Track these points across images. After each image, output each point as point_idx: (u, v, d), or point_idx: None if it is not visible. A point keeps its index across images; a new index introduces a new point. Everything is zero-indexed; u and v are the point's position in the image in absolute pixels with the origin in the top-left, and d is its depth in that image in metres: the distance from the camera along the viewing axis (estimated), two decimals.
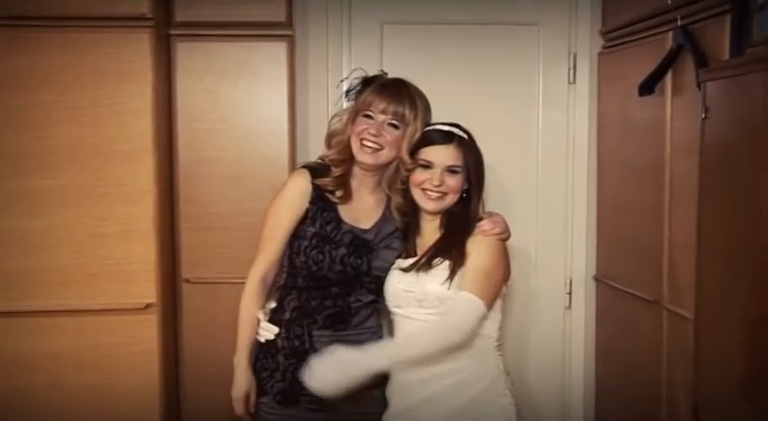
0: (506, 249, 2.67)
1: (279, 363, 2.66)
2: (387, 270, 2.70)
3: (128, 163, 3.00)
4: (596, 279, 3.57)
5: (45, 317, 3.00)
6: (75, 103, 2.97)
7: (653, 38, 2.96)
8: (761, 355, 2.09)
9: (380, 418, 2.69)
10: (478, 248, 2.58)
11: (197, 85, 3.23)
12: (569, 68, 3.54)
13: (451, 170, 2.63)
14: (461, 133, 2.67)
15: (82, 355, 3.03)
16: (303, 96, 3.43)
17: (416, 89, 2.72)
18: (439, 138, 2.65)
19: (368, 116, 2.66)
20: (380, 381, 2.64)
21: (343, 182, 2.71)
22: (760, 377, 2.09)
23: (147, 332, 3.05)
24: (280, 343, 2.66)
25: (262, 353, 2.69)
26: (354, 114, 2.69)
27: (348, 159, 2.69)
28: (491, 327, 2.62)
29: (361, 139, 2.64)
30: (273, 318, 2.71)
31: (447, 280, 2.56)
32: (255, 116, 3.26)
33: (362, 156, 2.66)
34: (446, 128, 2.66)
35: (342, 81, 2.98)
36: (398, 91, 2.67)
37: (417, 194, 2.67)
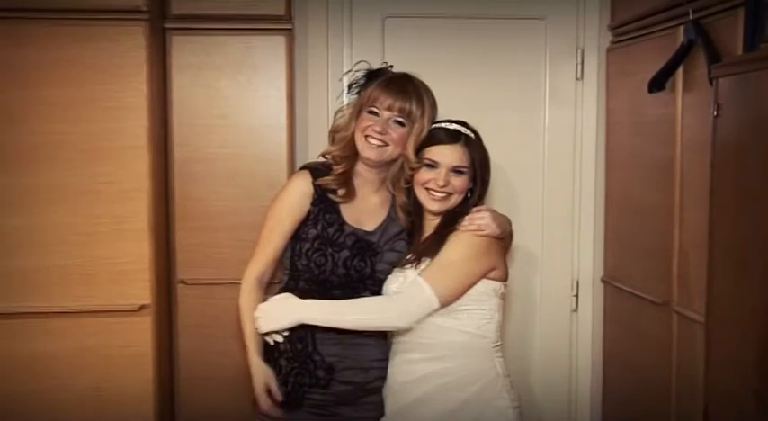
0: (492, 246, 2.60)
1: (281, 367, 2.63)
2: (391, 272, 2.68)
3: (121, 160, 2.97)
4: (604, 280, 3.55)
5: (35, 319, 2.97)
6: (67, 99, 2.94)
7: (663, 32, 2.95)
8: None
9: None
10: (451, 242, 2.57)
11: (193, 80, 3.20)
12: (577, 64, 3.52)
13: (457, 170, 2.61)
14: (468, 132, 2.65)
15: (74, 358, 3.00)
16: (303, 92, 3.42)
17: (423, 85, 2.70)
18: (445, 137, 2.62)
19: (373, 112, 2.63)
20: (379, 386, 2.66)
21: (346, 179, 2.68)
22: None
23: (141, 334, 3.02)
24: (282, 346, 2.63)
25: (263, 356, 2.66)
26: (359, 110, 2.66)
27: (351, 156, 2.67)
28: (487, 328, 2.59)
29: (366, 136, 2.62)
30: None
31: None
32: (253, 112, 3.23)
33: (367, 152, 2.63)
34: (453, 126, 2.64)
35: (345, 74, 2.95)
36: (405, 87, 2.64)
37: (421, 194, 2.65)
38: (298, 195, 2.66)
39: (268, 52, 3.21)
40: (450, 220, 2.62)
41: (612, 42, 3.45)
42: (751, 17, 2.39)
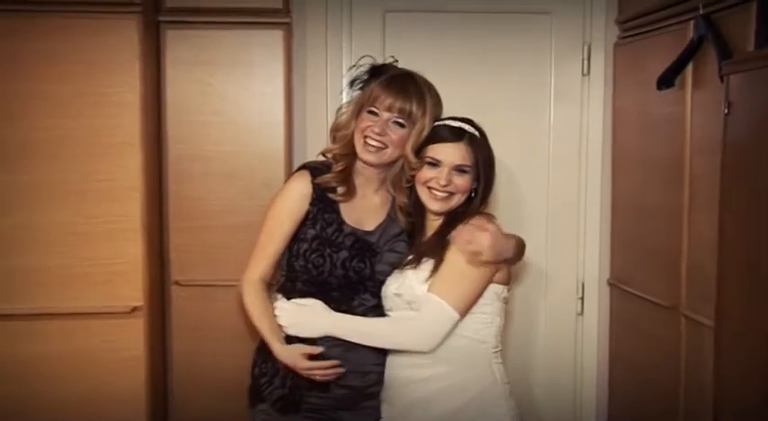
0: None
1: (278, 369, 2.60)
2: (391, 274, 2.66)
3: (114, 158, 2.95)
4: (610, 283, 3.54)
5: (25, 321, 2.95)
6: (57, 94, 2.92)
7: (673, 27, 2.94)
8: None
9: None
10: (453, 251, 2.53)
11: (188, 75, 3.18)
12: (583, 60, 3.50)
13: (460, 169, 2.58)
14: (473, 130, 2.61)
15: (65, 360, 2.98)
16: (300, 88, 3.41)
17: (426, 83, 2.67)
18: (448, 134, 2.59)
19: (373, 112, 2.60)
20: (377, 391, 2.65)
21: (346, 177, 2.66)
22: None
23: (134, 337, 3.01)
24: None
25: (261, 358, 2.66)
26: (359, 108, 2.64)
27: (351, 154, 2.65)
28: (486, 333, 2.57)
29: (365, 137, 2.60)
30: None
31: (427, 280, 2.53)
32: (250, 108, 3.21)
33: (365, 155, 2.61)
34: (457, 124, 2.61)
35: (350, 68, 2.90)
36: (406, 86, 2.61)
37: (423, 193, 2.61)
38: (297, 196, 2.64)
39: (265, 47, 3.19)
40: (453, 221, 2.58)
41: (620, 37, 3.43)
42: (763, 12, 2.38)
